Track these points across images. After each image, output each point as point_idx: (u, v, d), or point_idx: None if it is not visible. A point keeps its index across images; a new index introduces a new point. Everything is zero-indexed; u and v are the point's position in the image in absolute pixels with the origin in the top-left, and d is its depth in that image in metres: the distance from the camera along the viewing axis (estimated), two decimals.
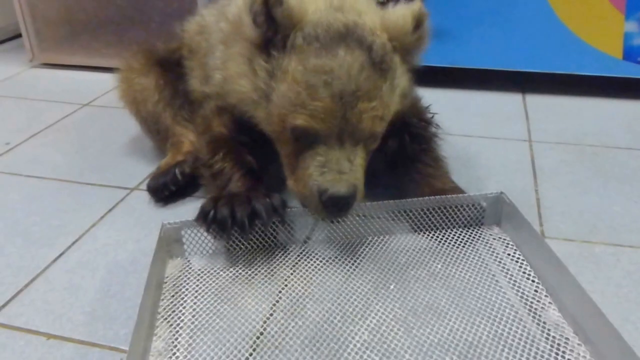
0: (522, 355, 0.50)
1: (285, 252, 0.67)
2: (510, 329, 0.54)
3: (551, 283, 0.58)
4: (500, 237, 0.68)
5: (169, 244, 0.66)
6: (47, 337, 0.57)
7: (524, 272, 0.62)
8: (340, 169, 0.57)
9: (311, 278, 0.62)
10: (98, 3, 1.36)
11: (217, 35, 0.74)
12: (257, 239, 0.67)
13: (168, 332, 0.55)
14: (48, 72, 1.45)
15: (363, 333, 0.54)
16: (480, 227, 0.70)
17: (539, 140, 1.01)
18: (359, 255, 0.66)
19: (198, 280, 0.62)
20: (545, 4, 1.14)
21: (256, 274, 0.63)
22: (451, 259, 0.65)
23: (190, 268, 0.64)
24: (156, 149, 0.94)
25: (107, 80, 1.19)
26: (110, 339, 0.56)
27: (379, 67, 0.59)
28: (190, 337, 0.54)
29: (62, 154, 0.99)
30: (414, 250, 0.66)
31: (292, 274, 0.63)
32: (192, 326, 0.55)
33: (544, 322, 0.54)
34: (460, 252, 0.66)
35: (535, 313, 0.56)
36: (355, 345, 0.52)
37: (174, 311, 0.57)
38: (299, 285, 0.61)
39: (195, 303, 0.58)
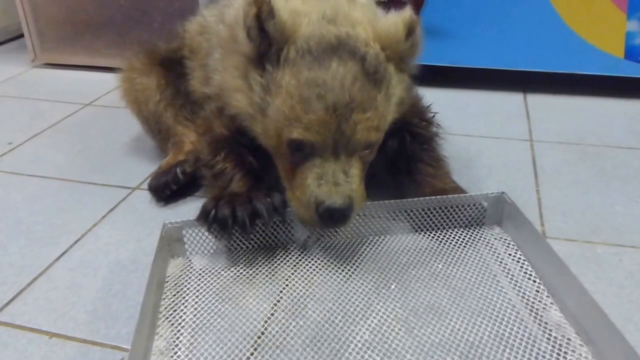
0: (523, 356, 0.50)
1: (286, 251, 0.67)
2: (512, 329, 0.54)
3: (553, 283, 0.58)
4: (501, 237, 0.68)
5: (170, 243, 0.66)
6: (49, 335, 0.57)
7: (525, 272, 0.62)
8: (336, 181, 0.58)
9: (312, 278, 0.62)
10: (100, 3, 1.36)
11: (216, 38, 0.74)
12: (258, 239, 0.67)
13: (169, 331, 0.55)
14: (50, 72, 1.45)
15: (364, 333, 0.54)
16: (481, 227, 0.70)
17: (540, 139, 1.00)
18: (360, 255, 0.66)
19: (199, 279, 0.62)
20: (546, 3, 1.14)
21: (257, 274, 0.63)
22: (452, 259, 0.65)
23: (192, 267, 0.65)
24: (157, 149, 0.95)
25: (109, 80, 1.19)
26: (112, 337, 0.56)
27: (373, 78, 0.59)
28: (192, 337, 0.54)
29: (64, 153, 0.99)
30: (414, 250, 0.66)
31: (293, 273, 0.63)
32: (194, 325, 0.55)
33: (546, 323, 0.54)
34: (461, 252, 0.66)
35: (536, 313, 0.56)
36: (356, 345, 0.52)
37: (175, 310, 0.57)
38: (300, 285, 0.61)
39: (196, 302, 0.59)
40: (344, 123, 0.57)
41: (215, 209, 0.61)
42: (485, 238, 0.68)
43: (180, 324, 0.56)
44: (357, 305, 0.57)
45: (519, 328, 0.54)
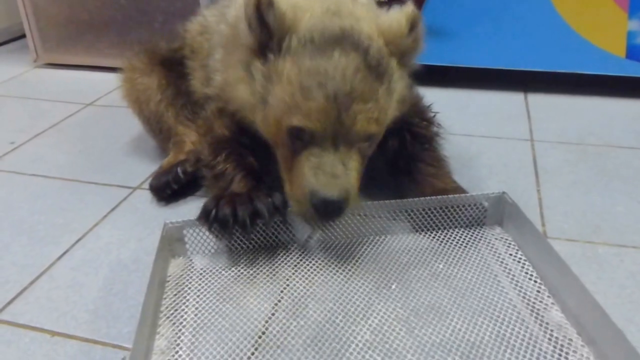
0: (524, 357, 0.50)
1: (287, 251, 0.67)
2: (513, 329, 0.54)
3: (554, 283, 0.58)
4: (502, 237, 0.68)
5: (171, 243, 0.66)
6: (51, 334, 0.57)
7: (526, 273, 0.62)
8: (334, 173, 0.57)
9: (313, 278, 0.62)
10: (101, 3, 1.36)
11: (217, 37, 0.74)
12: (259, 239, 0.67)
13: (171, 330, 0.55)
14: (52, 72, 1.46)
15: (365, 333, 0.54)
16: (482, 227, 0.70)
17: (541, 139, 1.00)
18: (361, 255, 0.66)
19: (200, 279, 0.62)
20: (547, 2, 1.13)
21: (258, 274, 0.63)
22: (453, 259, 0.65)
23: (193, 267, 0.65)
24: (158, 149, 0.95)
25: (110, 80, 1.19)
26: (113, 336, 0.56)
27: (375, 70, 0.59)
28: (193, 336, 0.54)
29: (66, 153, 1.00)
30: (415, 250, 0.66)
31: (294, 273, 0.63)
32: (195, 325, 0.56)
33: (547, 323, 0.54)
34: (462, 252, 0.66)
35: (537, 314, 0.56)
36: (357, 345, 0.52)
37: (176, 310, 0.58)
38: (300, 284, 0.61)
39: (197, 302, 0.59)
40: (344, 112, 0.57)
41: (216, 208, 0.61)
42: (486, 238, 0.68)
43: (181, 323, 0.56)
44: (358, 305, 0.57)
45: (520, 328, 0.54)
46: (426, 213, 0.69)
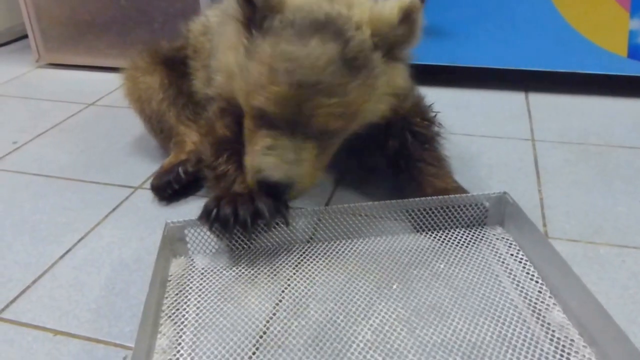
0: (526, 357, 0.50)
1: (288, 251, 0.67)
2: (514, 330, 0.53)
3: (555, 284, 0.58)
4: (503, 237, 0.68)
5: (173, 242, 0.66)
6: (54, 333, 0.57)
7: (528, 273, 0.62)
8: (283, 157, 0.58)
9: (314, 278, 0.62)
10: (102, 4, 1.37)
11: (218, 37, 0.74)
12: (260, 239, 0.67)
13: (172, 330, 0.55)
14: (53, 72, 1.46)
15: (366, 333, 0.54)
16: (483, 227, 0.70)
17: (542, 139, 1.00)
18: (362, 255, 0.66)
19: (201, 279, 0.63)
20: (548, 2, 1.13)
21: (259, 273, 0.63)
22: (454, 259, 0.65)
23: (194, 267, 0.65)
24: (160, 148, 0.95)
25: (112, 80, 1.19)
26: (115, 335, 0.57)
27: (351, 64, 0.57)
28: (194, 335, 0.54)
29: (68, 153, 1.00)
30: (416, 250, 0.66)
31: (294, 273, 0.63)
32: (196, 324, 0.56)
33: (549, 324, 0.54)
34: (463, 253, 0.66)
35: (539, 314, 0.56)
36: (358, 345, 0.52)
37: (178, 309, 0.58)
38: (301, 284, 0.61)
39: (198, 301, 0.59)
40: (304, 103, 0.56)
41: (217, 208, 0.61)
42: (487, 238, 0.68)
43: (183, 322, 0.56)
44: (359, 305, 0.58)
45: (521, 329, 0.54)
46: (427, 213, 0.69)
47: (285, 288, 0.61)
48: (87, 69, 1.44)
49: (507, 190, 0.70)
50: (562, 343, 0.52)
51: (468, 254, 0.65)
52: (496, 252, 0.66)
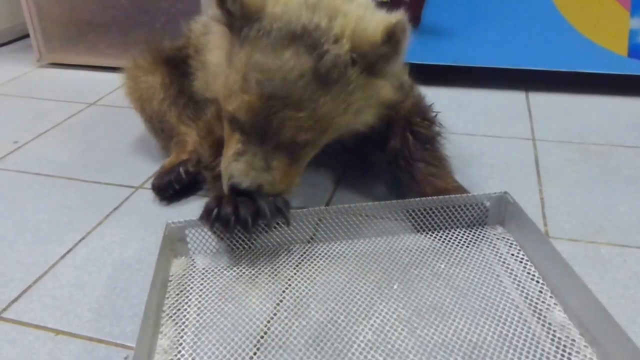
0: (527, 357, 0.50)
1: (289, 251, 0.67)
2: (515, 330, 0.54)
3: (556, 284, 0.58)
4: (504, 237, 0.68)
5: (173, 243, 0.66)
6: (55, 333, 0.58)
7: (529, 273, 0.62)
8: (252, 165, 0.59)
9: (315, 278, 0.62)
10: (103, 4, 1.37)
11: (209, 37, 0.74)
12: (261, 239, 0.67)
13: (173, 330, 0.55)
14: (55, 71, 1.46)
15: (367, 333, 0.54)
16: (483, 227, 0.70)
17: (543, 138, 1.00)
18: (362, 255, 0.66)
19: (202, 279, 0.63)
20: (548, 1, 1.13)
21: (260, 274, 0.63)
22: (454, 259, 0.65)
23: (195, 267, 0.65)
24: (161, 148, 0.95)
25: (113, 80, 1.19)
26: (116, 335, 0.57)
27: (323, 79, 0.57)
28: (195, 336, 0.54)
29: (69, 152, 1.00)
30: (417, 250, 0.67)
31: (295, 273, 0.63)
32: (197, 324, 0.56)
33: (549, 324, 0.54)
34: (463, 252, 0.66)
35: (540, 314, 0.56)
36: (359, 346, 0.52)
37: (179, 309, 0.58)
38: (302, 284, 0.61)
39: (199, 302, 0.59)
40: (274, 114, 0.57)
41: (218, 207, 0.61)
42: (487, 238, 0.68)
43: (184, 322, 0.56)
44: (360, 305, 0.58)
45: (522, 329, 0.54)
46: (427, 213, 0.69)
47: (286, 288, 0.61)
48: (88, 68, 1.44)
49: (508, 189, 0.70)
50: (563, 343, 0.52)
51: (469, 254, 0.65)
52: (497, 252, 0.66)
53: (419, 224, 0.70)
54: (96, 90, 1.30)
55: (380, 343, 0.53)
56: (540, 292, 0.59)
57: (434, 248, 0.67)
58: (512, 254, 0.65)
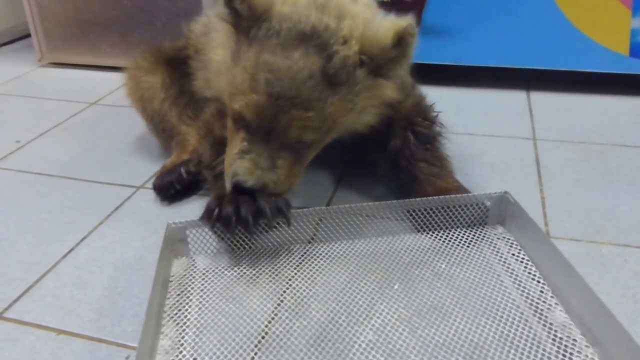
0: (528, 357, 0.50)
1: (290, 252, 0.67)
2: (516, 330, 0.54)
3: (557, 283, 0.58)
4: (504, 237, 0.68)
5: (174, 243, 0.66)
6: (57, 332, 0.58)
7: (529, 273, 0.61)
8: (258, 162, 0.59)
9: (315, 278, 0.62)
10: (104, 3, 1.37)
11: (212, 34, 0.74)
12: (261, 239, 0.67)
13: (174, 330, 0.55)
14: (56, 71, 1.46)
15: (368, 333, 0.54)
16: (484, 227, 0.70)
17: (544, 138, 1.00)
18: (363, 255, 0.66)
19: (203, 279, 0.63)
20: (549, 0, 1.13)
21: (261, 274, 0.64)
22: (455, 259, 0.65)
23: (195, 267, 0.65)
24: (162, 147, 0.95)
25: (114, 80, 1.20)
26: (117, 335, 0.57)
27: (331, 79, 0.57)
28: (197, 336, 0.55)
29: (70, 152, 1.00)
30: (417, 250, 0.67)
31: (296, 273, 0.63)
32: (198, 325, 0.56)
33: (551, 324, 0.54)
34: (464, 252, 0.66)
35: (541, 314, 0.55)
36: (360, 346, 0.52)
37: (180, 310, 0.58)
38: (303, 285, 0.61)
39: (200, 302, 0.59)
40: (281, 114, 0.57)
41: (218, 207, 0.61)
42: (488, 238, 0.68)
43: (185, 323, 0.56)
44: (361, 306, 0.58)
45: (523, 329, 0.54)
46: (428, 213, 0.69)
47: (287, 288, 0.61)
48: (90, 68, 1.45)
49: (509, 189, 0.70)
50: (564, 343, 0.52)
51: (469, 254, 0.65)
52: (497, 252, 0.66)
53: (419, 224, 0.70)
54: (97, 90, 1.30)
55: (382, 343, 0.53)
56: (541, 292, 0.59)
57: (435, 248, 0.67)
58: (513, 254, 0.65)
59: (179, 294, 0.60)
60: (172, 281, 0.63)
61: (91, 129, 1.11)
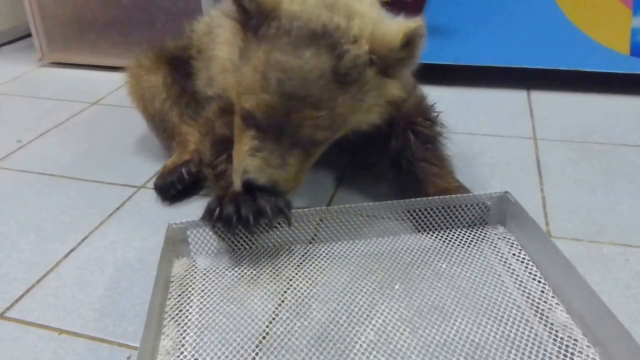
0: (529, 357, 0.50)
1: (290, 252, 0.67)
2: (517, 330, 0.54)
3: (558, 283, 0.58)
4: (505, 237, 0.68)
5: (175, 244, 0.66)
6: (59, 332, 0.58)
7: (530, 273, 0.62)
8: (269, 161, 0.59)
9: (316, 278, 0.62)
10: (105, 3, 1.37)
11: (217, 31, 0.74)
12: (262, 240, 0.67)
13: (175, 331, 0.55)
14: (57, 71, 1.46)
15: (369, 333, 0.54)
16: (484, 227, 0.70)
17: (544, 137, 1.00)
18: (364, 255, 0.66)
19: (204, 279, 0.63)
20: (550, 0, 1.12)
21: (261, 274, 0.64)
22: (456, 259, 0.65)
23: (196, 268, 0.65)
24: (163, 147, 0.95)
25: (115, 79, 1.20)
26: (119, 335, 0.57)
27: (342, 78, 0.57)
28: (198, 336, 0.55)
29: (71, 151, 1.00)
30: (418, 250, 0.67)
31: (297, 274, 0.63)
32: (199, 325, 0.56)
33: (552, 324, 0.54)
34: (465, 252, 0.66)
35: (542, 314, 0.56)
36: (361, 346, 0.53)
37: (181, 310, 0.58)
38: (304, 285, 0.61)
39: (201, 302, 0.59)
40: (293, 113, 0.58)
41: (219, 207, 0.61)
42: (489, 238, 0.68)
43: (186, 323, 0.56)
44: (362, 306, 0.58)
45: (524, 329, 0.54)
46: (429, 213, 0.69)
47: (288, 288, 0.61)
48: (90, 67, 1.45)
49: (509, 189, 0.70)
50: (565, 343, 0.52)
51: (470, 254, 0.65)
52: (498, 252, 0.66)
53: (420, 224, 0.70)
54: (98, 90, 1.30)
55: (382, 343, 0.53)
56: (542, 292, 0.59)
57: (435, 248, 0.67)
58: (514, 254, 0.65)
59: (180, 294, 0.61)
60: (173, 281, 0.63)
61: (92, 128, 1.11)
